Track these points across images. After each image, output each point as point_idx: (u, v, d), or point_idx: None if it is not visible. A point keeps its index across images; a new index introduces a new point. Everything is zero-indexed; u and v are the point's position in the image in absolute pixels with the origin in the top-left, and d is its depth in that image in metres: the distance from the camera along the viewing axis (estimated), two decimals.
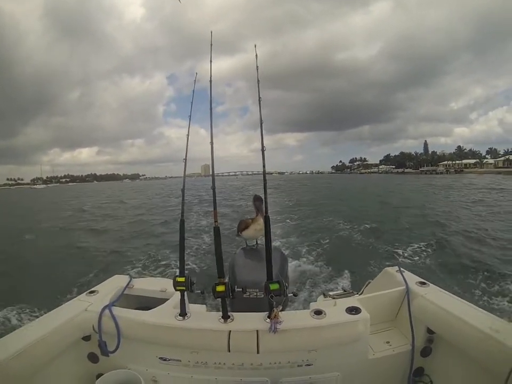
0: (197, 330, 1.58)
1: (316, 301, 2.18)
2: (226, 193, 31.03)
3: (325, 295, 2.21)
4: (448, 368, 1.72)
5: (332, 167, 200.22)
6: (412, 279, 2.05)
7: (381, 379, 1.81)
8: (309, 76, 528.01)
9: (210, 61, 1.99)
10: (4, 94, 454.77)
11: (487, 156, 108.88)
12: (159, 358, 1.66)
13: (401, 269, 2.18)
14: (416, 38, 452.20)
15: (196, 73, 2.25)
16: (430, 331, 1.76)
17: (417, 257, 6.91)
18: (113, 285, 2.11)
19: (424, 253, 7.17)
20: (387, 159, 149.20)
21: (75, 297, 1.98)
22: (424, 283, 1.99)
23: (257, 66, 2.01)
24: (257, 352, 1.52)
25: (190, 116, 2.13)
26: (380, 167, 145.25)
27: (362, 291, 2.37)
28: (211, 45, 2.04)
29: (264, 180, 1.68)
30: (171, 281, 2.08)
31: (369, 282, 2.44)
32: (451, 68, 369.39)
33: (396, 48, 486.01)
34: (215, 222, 1.67)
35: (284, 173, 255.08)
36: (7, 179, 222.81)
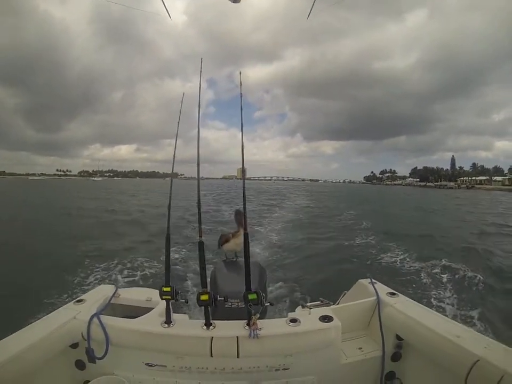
0: (182, 337, 1.61)
1: (295, 311, 2.19)
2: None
3: (302, 306, 2.27)
4: (417, 371, 1.80)
5: (364, 177, 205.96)
6: (383, 290, 2.15)
7: (355, 382, 1.87)
8: (346, 85, 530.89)
9: (200, 86, 2.01)
10: (53, 91, 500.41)
11: None
12: (145, 364, 1.69)
13: (373, 280, 2.27)
14: (454, 46, 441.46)
15: (183, 93, 2.24)
16: (399, 338, 1.84)
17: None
18: (100, 294, 2.11)
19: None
20: (414, 172, 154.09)
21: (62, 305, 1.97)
22: (394, 293, 2.09)
23: (241, 94, 2.06)
24: (237, 357, 1.57)
25: (178, 124, 2.09)
26: (409, 179, 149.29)
27: (339, 302, 2.45)
28: (200, 71, 2.05)
29: (244, 197, 1.77)
30: (155, 290, 2.16)
31: (345, 293, 2.53)
32: (492, 78, 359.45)
33: (434, 57, 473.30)
34: (199, 237, 1.72)
35: (318, 180, 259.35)
36: (57, 170, 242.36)
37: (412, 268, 6.87)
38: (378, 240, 9.73)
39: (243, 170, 1.78)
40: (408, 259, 7.50)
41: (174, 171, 1.98)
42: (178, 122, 2.09)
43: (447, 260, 7.12)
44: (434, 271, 6.52)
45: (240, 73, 2.18)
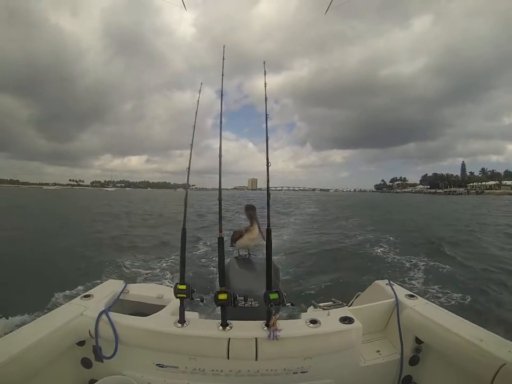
0: (197, 337, 1.56)
1: (306, 312, 2.14)
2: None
3: (314, 306, 2.22)
4: (435, 376, 1.75)
5: (374, 185, 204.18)
6: (401, 292, 2.10)
7: None
8: (354, 93, 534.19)
9: (222, 74, 2.03)
10: (64, 102, 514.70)
11: None
12: (156, 364, 1.62)
13: (391, 282, 2.21)
14: (460, 50, 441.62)
15: (201, 86, 2.24)
16: (418, 341, 1.79)
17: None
18: (108, 289, 2.07)
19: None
20: (424, 179, 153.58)
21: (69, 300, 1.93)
22: (412, 296, 2.03)
23: (265, 83, 2.03)
24: (256, 359, 1.51)
25: (193, 135, 2.02)
26: (419, 187, 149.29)
27: (352, 303, 2.39)
28: (223, 59, 2.06)
29: (268, 195, 1.72)
30: (167, 287, 2.13)
31: (358, 295, 2.46)
32: (500, 81, 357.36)
33: (440, 62, 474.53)
34: (219, 232, 1.67)
35: (329, 190, 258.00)
36: (69, 180, 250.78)
37: (395, 259, 7.69)
38: (382, 242, 10.04)
39: (267, 169, 1.77)
40: (393, 252, 8.44)
41: (185, 182, 1.96)
42: (194, 132, 2.04)
43: (425, 254, 8.02)
44: (413, 261, 7.41)
45: (264, 62, 2.15)
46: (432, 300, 4.25)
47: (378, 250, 8.91)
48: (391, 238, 10.71)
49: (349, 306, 2.24)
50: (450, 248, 8.91)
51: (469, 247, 9.36)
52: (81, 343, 1.72)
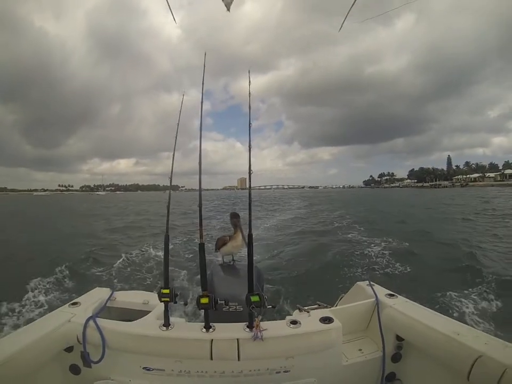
0: (181, 339, 1.59)
1: (292, 315, 2.15)
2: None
3: (300, 309, 2.23)
4: (417, 371, 1.80)
5: (363, 181, 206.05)
6: (381, 291, 2.15)
7: None
8: (340, 91, 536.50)
9: (203, 83, 2.03)
10: (50, 107, 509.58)
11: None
12: (143, 368, 1.64)
13: (371, 282, 2.27)
14: (443, 48, 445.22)
15: (182, 102, 2.20)
16: (399, 338, 1.84)
17: None
18: (95, 297, 2.09)
19: None
20: (411, 174, 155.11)
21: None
22: (392, 295, 2.09)
23: (249, 92, 2.03)
24: (238, 360, 1.54)
25: (176, 136, 2.04)
26: (406, 181, 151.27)
27: (336, 304, 2.42)
28: (204, 66, 2.03)
29: (250, 199, 1.72)
30: (153, 294, 2.17)
31: (342, 296, 2.51)
32: (482, 76, 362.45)
33: (424, 60, 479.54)
34: (200, 238, 1.69)
35: (318, 187, 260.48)
36: (59, 185, 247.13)
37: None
38: (365, 237, 10.26)
39: (249, 172, 1.78)
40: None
41: (174, 183, 2.06)
42: (176, 134, 2.02)
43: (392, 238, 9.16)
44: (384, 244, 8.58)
45: (249, 71, 2.15)
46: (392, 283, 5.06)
47: (349, 235, 10.45)
48: (361, 228, 12.20)
49: (334, 307, 2.29)
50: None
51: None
52: (69, 349, 1.72)
